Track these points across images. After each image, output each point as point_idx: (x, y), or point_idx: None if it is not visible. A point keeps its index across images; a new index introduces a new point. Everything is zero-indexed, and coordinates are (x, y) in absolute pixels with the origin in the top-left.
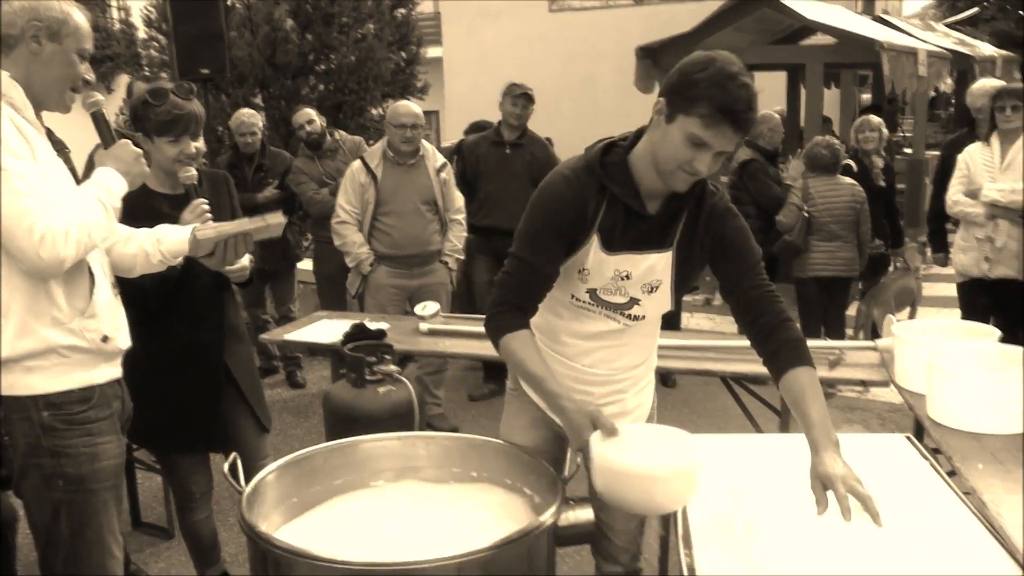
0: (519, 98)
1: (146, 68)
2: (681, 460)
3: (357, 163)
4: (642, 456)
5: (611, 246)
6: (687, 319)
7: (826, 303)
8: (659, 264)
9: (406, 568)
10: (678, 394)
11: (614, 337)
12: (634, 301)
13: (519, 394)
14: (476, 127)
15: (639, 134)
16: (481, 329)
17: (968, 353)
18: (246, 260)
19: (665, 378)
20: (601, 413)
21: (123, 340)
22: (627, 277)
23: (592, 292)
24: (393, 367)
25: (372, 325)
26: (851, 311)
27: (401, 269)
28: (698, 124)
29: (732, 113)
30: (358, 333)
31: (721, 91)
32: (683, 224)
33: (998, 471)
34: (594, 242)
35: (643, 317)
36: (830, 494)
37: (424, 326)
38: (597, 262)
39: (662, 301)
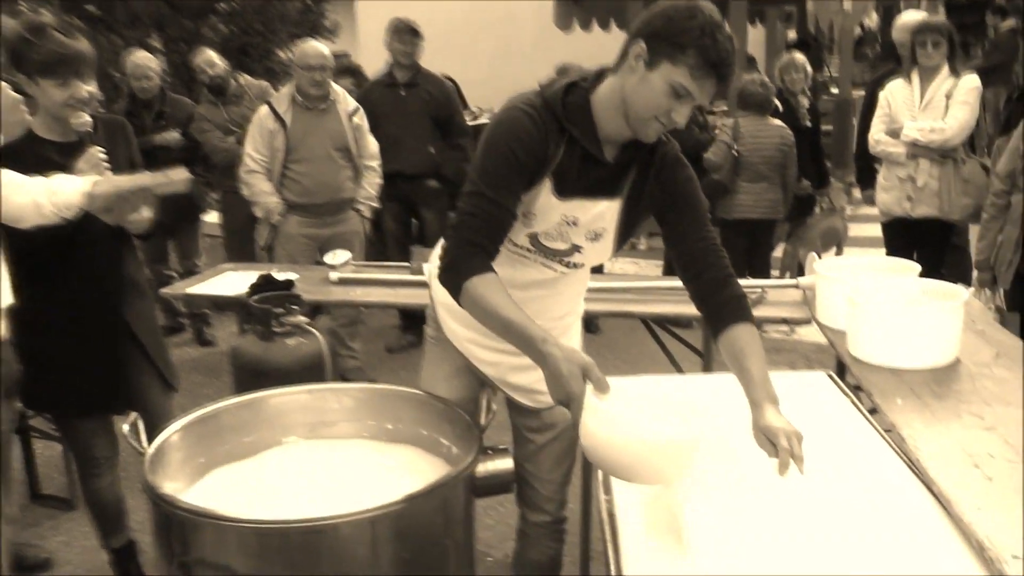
0: (405, 34)
1: (22, 2)
2: (686, 431)
3: (264, 109)
4: (644, 423)
5: (563, 191)
6: (611, 263)
7: (751, 245)
8: (608, 212)
9: (317, 525)
10: (602, 340)
11: (547, 286)
12: (576, 248)
13: (439, 341)
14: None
15: (600, 75)
16: (395, 276)
17: (888, 289)
18: (146, 212)
19: (588, 324)
20: (594, 365)
21: (3, 297)
22: (574, 223)
23: (533, 237)
24: (302, 318)
25: (280, 275)
26: (777, 252)
27: (312, 218)
28: (685, 74)
29: (720, 66)
30: (265, 284)
31: (712, 43)
32: (635, 173)
33: (916, 405)
34: (546, 186)
35: (580, 266)
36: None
37: (334, 275)
38: (545, 206)
39: (602, 250)
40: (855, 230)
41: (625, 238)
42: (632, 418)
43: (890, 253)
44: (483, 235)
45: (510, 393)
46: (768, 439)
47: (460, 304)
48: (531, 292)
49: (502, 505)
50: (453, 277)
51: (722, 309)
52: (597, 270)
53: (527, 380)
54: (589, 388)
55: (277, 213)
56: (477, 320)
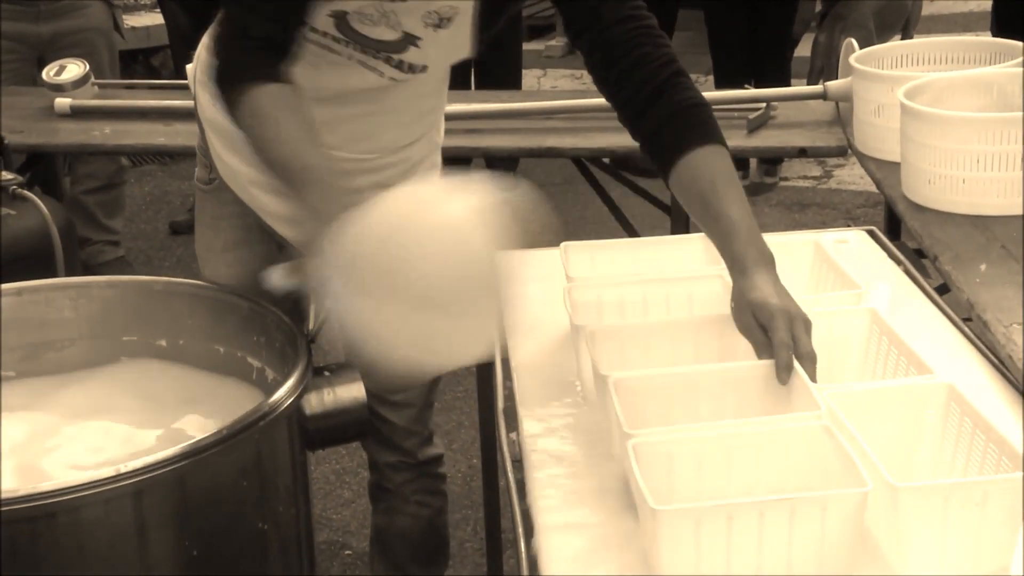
0: None
1: None
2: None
3: None
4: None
5: None
6: (536, 78)
7: (756, 36)
8: None
9: (37, 505)
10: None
11: (372, 99)
12: (410, 40)
13: (217, 189)
14: None
15: None
16: (175, 103)
17: (974, 87)
18: None
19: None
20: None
21: None
22: None
23: (340, 19)
24: (11, 176)
25: None
26: (803, 49)
27: (21, 6)
28: None
29: None
30: None
31: None
32: None
33: (1013, 274)
34: None
35: (423, 69)
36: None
37: (64, 102)
38: None
39: (456, 44)
40: (931, 7)
41: (490, 25)
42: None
43: (1000, 34)
44: (267, 17)
45: None
46: (758, 323)
47: (238, 126)
48: (347, 107)
49: (366, 468)
50: (229, 82)
51: (666, 127)
52: (512, 84)
53: None
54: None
55: None
56: (251, 146)
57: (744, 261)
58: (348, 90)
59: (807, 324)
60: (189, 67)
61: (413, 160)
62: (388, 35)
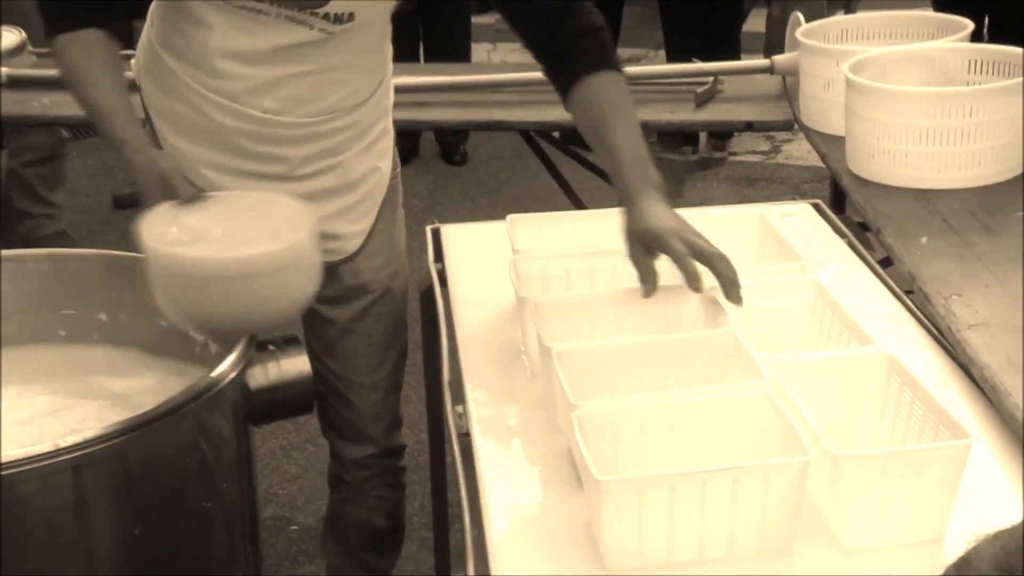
0: None
1: None
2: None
3: None
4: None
5: None
6: (485, 52)
7: (707, 10)
8: None
9: None
10: (471, 175)
11: (306, 56)
12: None
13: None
14: None
15: None
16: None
17: (918, 61)
18: None
19: (449, 150)
20: (180, 170)
21: None
22: None
23: None
24: None
25: None
26: (754, 24)
27: None
28: None
29: None
30: None
31: None
32: None
33: (954, 248)
34: None
35: (351, 17)
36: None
37: (2, 72)
38: None
39: None
40: None
41: None
42: (189, 230)
43: (940, 8)
44: None
45: None
46: (646, 249)
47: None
48: (280, 67)
49: (313, 443)
50: (46, 35)
51: (564, 55)
52: (461, 57)
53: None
54: (157, 212)
55: None
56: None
57: (630, 192)
58: (282, 47)
59: (696, 233)
60: (132, 62)
61: (364, 124)
62: None
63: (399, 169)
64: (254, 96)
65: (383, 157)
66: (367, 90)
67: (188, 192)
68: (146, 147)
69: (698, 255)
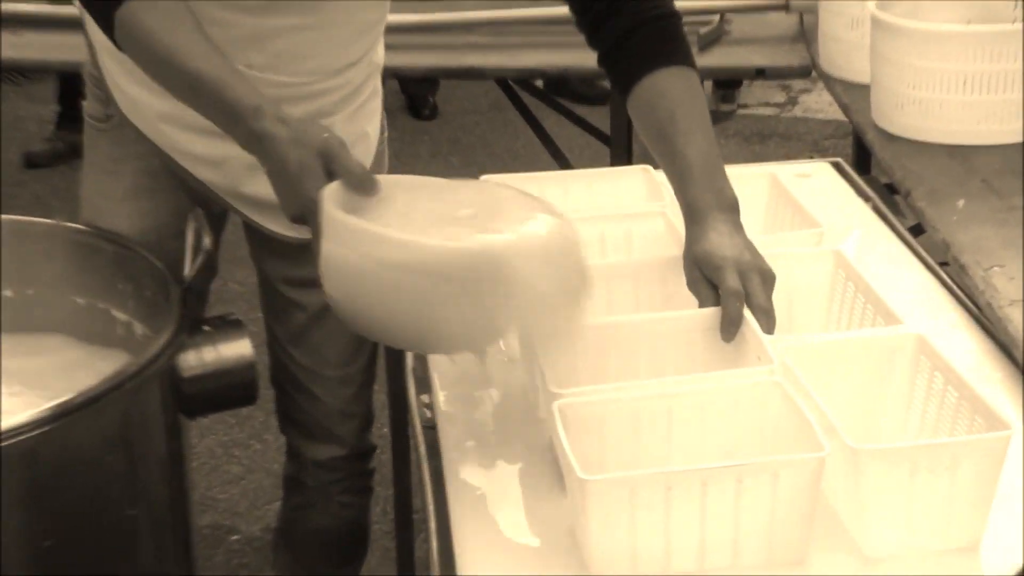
0: None
1: None
2: (504, 237)
3: None
4: (417, 234)
5: None
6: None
7: None
8: None
9: None
10: (442, 129)
11: (306, 9)
12: None
13: (110, 127)
14: None
15: None
16: (22, 6)
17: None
18: None
19: (417, 102)
20: (343, 147)
21: None
22: None
23: None
24: None
25: None
26: None
27: None
28: None
29: None
30: None
31: None
32: None
33: (994, 211)
34: None
35: None
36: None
37: None
38: None
39: None
40: None
41: None
42: (399, 229)
43: None
44: None
45: (248, 214)
46: (706, 277)
47: (120, 48)
48: (270, 19)
49: (258, 439)
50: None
51: (626, 42)
52: None
53: None
54: (333, 189)
55: None
56: (148, 74)
57: (697, 207)
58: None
59: (766, 277)
60: None
61: (355, 84)
62: None
63: (386, 134)
64: (243, 48)
65: (371, 120)
66: (362, 48)
67: (363, 170)
68: (288, 116)
69: (747, 301)
